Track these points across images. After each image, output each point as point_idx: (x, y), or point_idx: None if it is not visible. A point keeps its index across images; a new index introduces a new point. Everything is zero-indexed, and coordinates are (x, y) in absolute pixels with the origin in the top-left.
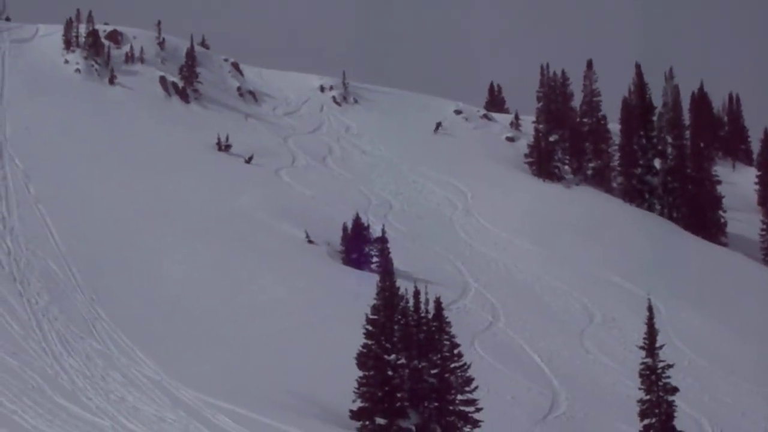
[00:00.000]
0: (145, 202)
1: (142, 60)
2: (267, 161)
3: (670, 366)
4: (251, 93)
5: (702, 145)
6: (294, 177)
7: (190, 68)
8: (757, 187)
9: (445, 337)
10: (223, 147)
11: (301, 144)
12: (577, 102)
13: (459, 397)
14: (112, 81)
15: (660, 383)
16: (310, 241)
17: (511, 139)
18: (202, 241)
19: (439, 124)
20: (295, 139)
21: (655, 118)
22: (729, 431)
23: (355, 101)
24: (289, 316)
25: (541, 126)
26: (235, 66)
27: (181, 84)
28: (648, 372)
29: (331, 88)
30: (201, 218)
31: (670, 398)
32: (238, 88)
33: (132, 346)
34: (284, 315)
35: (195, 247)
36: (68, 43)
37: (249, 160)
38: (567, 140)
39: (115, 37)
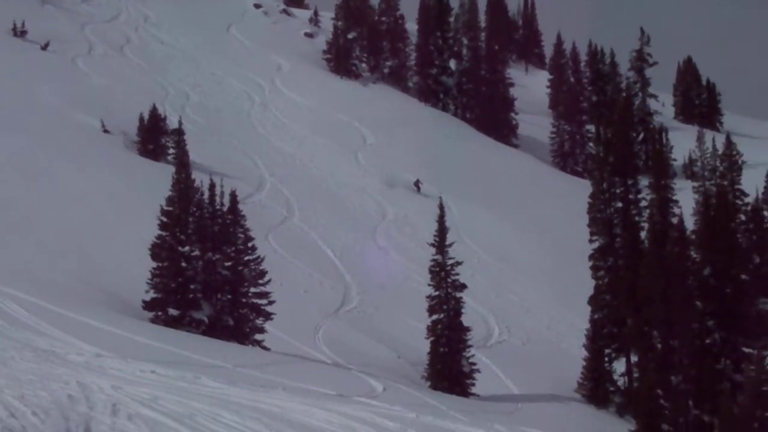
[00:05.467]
0: None
1: None
2: (63, 49)
3: (459, 263)
4: None
5: (496, 47)
6: (91, 66)
7: None
8: (548, 90)
9: (240, 230)
10: (19, 33)
11: (98, 32)
12: (375, 0)
13: (252, 289)
14: None
15: (449, 280)
16: (105, 131)
17: (309, 35)
18: None
19: (417, 183)
20: (93, 27)
21: (451, 20)
22: (514, 327)
23: None
24: (85, 206)
25: (339, 23)
26: None
27: None
28: (437, 269)
29: None
30: None
31: (459, 294)
32: None
33: None
34: (80, 205)
35: None
36: None
37: (45, 47)
38: (365, 38)
39: None
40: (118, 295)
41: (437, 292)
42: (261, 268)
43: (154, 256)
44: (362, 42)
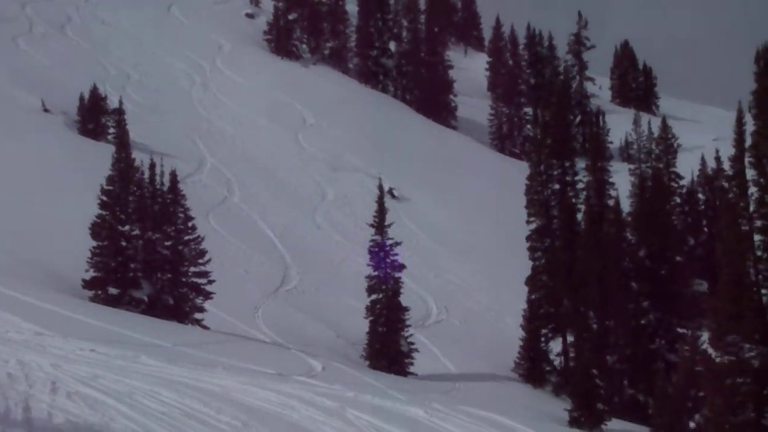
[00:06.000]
0: None
1: None
2: (3, 28)
3: (398, 244)
4: None
5: (436, 30)
6: (31, 44)
7: None
8: (487, 73)
9: (180, 209)
10: None
11: (39, 11)
12: None
13: (192, 269)
14: None
15: (388, 260)
16: (46, 110)
17: (250, 16)
18: None
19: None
20: (34, 5)
21: (391, 2)
22: (452, 307)
23: None
24: (25, 185)
25: (280, 4)
26: None
27: None
28: (377, 249)
29: None
30: None
31: (397, 275)
32: None
33: None
34: (20, 184)
35: None
36: None
37: None
38: (306, 19)
39: None
40: (57, 274)
41: (376, 273)
42: (201, 247)
43: (94, 235)
44: (303, 23)
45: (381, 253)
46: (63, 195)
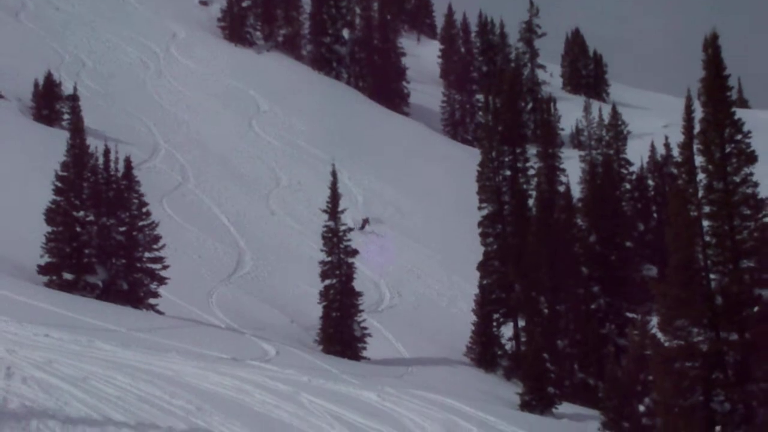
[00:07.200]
0: None
1: None
2: None
3: (351, 229)
4: None
5: (389, 17)
6: None
7: None
8: (439, 60)
9: (134, 195)
10: None
11: None
12: None
13: (146, 254)
14: None
15: (341, 246)
16: (0, 96)
17: (204, 3)
18: None
19: (365, 221)
20: None
21: None
22: (405, 292)
23: None
24: None
25: None
26: None
27: None
28: (330, 234)
29: None
30: None
31: (350, 260)
32: None
33: None
34: None
35: None
36: None
37: None
38: (259, 6)
39: None
40: (12, 259)
41: (330, 258)
42: (155, 233)
43: (49, 220)
44: (256, 10)
45: (334, 239)
46: (17, 181)
